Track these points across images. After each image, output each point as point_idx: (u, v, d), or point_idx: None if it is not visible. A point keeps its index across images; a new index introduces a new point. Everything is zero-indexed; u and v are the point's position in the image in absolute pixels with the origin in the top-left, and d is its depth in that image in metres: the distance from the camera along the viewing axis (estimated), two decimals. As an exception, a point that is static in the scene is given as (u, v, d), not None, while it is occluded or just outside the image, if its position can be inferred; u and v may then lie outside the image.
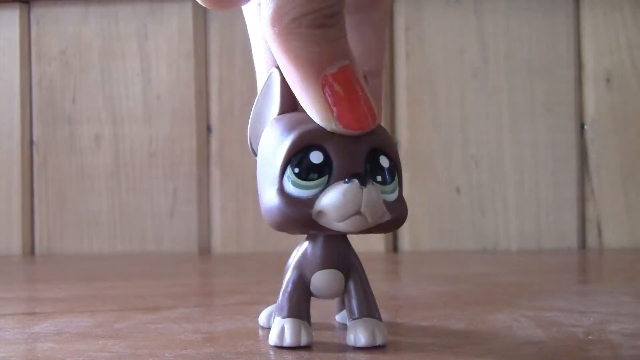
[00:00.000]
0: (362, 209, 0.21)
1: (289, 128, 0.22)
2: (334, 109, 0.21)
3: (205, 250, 0.63)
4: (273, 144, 0.22)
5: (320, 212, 0.21)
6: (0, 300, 0.37)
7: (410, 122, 0.61)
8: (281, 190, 0.22)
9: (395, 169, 0.22)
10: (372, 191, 0.21)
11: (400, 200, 0.23)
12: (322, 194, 0.21)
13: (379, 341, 0.23)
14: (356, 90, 0.21)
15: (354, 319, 0.23)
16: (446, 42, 0.61)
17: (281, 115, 0.23)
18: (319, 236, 0.23)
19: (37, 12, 0.65)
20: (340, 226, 0.21)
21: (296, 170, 0.21)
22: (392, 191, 0.22)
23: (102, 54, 0.64)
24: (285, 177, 0.21)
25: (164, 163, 0.63)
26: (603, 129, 0.60)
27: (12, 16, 0.65)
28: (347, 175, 0.21)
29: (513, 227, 0.60)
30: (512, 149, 0.60)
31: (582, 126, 0.60)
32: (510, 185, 0.60)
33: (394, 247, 0.61)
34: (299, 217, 0.21)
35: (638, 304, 0.32)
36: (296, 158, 0.21)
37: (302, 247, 0.24)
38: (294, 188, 0.21)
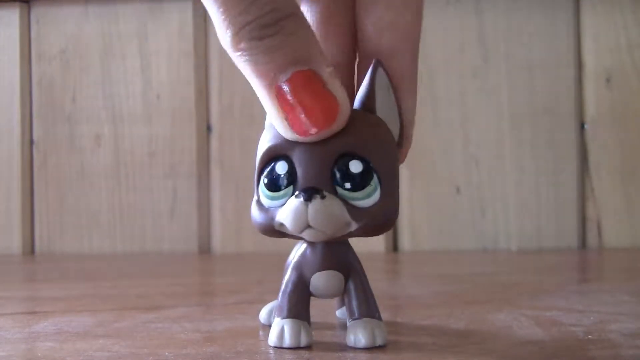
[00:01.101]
0: (311, 223, 0.21)
1: (268, 137, 0.22)
2: (287, 117, 0.21)
3: (205, 249, 0.63)
4: (258, 153, 0.23)
5: (281, 224, 0.22)
6: (0, 299, 0.37)
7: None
8: (258, 200, 0.23)
9: (372, 172, 0.22)
10: (319, 205, 0.21)
11: (382, 203, 0.22)
12: (283, 205, 0.22)
13: (378, 342, 0.23)
14: (313, 95, 0.20)
15: (354, 320, 0.23)
16: (446, 42, 0.61)
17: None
18: None
19: (37, 11, 0.65)
20: (303, 235, 0.22)
21: (265, 181, 0.22)
22: (367, 196, 0.21)
23: (102, 53, 0.64)
24: (259, 188, 0.22)
25: (164, 163, 0.63)
26: (603, 129, 0.60)
27: (12, 16, 0.65)
28: (302, 187, 0.21)
29: (513, 227, 0.60)
30: (512, 149, 0.60)
31: (582, 126, 0.60)
32: (510, 185, 0.60)
33: (394, 246, 0.61)
34: (266, 226, 0.22)
35: (638, 304, 0.32)
36: (266, 169, 0.22)
37: (301, 248, 0.24)
38: (265, 199, 0.22)
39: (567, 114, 0.60)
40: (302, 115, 0.21)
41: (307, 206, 0.21)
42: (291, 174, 0.22)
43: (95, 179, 0.64)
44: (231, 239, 0.62)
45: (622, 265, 0.51)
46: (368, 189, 0.21)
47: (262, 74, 0.20)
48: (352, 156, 0.21)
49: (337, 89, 0.21)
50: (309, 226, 0.21)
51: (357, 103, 0.23)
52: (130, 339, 0.26)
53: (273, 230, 0.22)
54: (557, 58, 0.60)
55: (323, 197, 0.21)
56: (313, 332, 0.24)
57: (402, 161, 0.25)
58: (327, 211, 0.21)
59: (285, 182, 0.22)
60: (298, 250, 0.24)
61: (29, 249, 0.64)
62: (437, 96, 0.61)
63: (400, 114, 0.23)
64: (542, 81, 0.60)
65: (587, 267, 0.52)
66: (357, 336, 0.23)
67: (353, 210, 0.21)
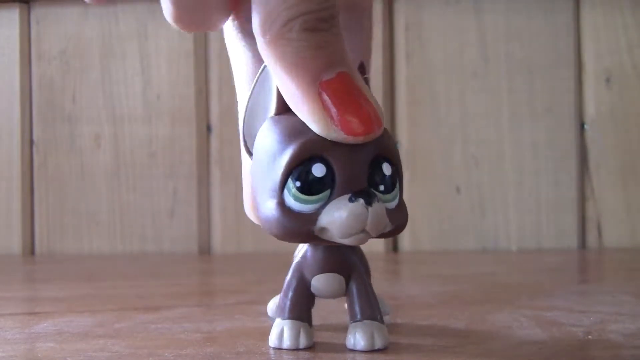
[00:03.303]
0: (368, 228, 0.20)
1: (289, 136, 0.21)
2: (335, 115, 0.20)
3: (205, 250, 0.63)
4: (272, 151, 0.21)
5: (323, 229, 0.20)
6: (0, 300, 0.37)
7: (410, 122, 0.61)
8: (282, 203, 0.21)
9: (397, 174, 0.22)
10: (377, 210, 0.20)
11: (401, 205, 0.22)
12: (325, 209, 0.20)
13: (378, 345, 0.23)
14: (357, 96, 0.20)
15: (355, 322, 0.23)
16: (446, 42, 0.61)
17: (279, 116, 0.22)
18: None
19: (37, 12, 0.65)
20: (343, 241, 0.21)
21: (297, 184, 0.20)
22: (394, 199, 0.21)
23: (102, 53, 0.64)
24: (286, 190, 0.21)
25: (164, 163, 0.63)
26: (603, 129, 0.60)
27: (12, 16, 0.65)
28: (350, 190, 0.20)
29: (513, 227, 0.60)
30: (512, 149, 0.60)
31: (582, 126, 0.60)
32: (510, 185, 0.60)
33: (394, 247, 0.61)
34: (301, 232, 0.21)
35: (638, 304, 0.32)
36: (297, 171, 0.20)
37: (303, 248, 0.24)
38: (295, 202, 0.21)
39: (567, 114, 0.60)
40: (350, 116, 0.20)
41: (367, 210, 0.20)
42: (329, 176, 0.20)
43: (96, 179, 0.64)
44: (231, 240, 0.62)
45: (622, 266, 0.51)
46: (395, 191, 0.21)
47: (308, 69, 0.19)
48: (383, 158, 0.21)
49: (372, 95, 0.20)
50: (362, 230, 0.20)
51: None
52: (130, 339, 0.26)
53: (308, 235, 0.21)
54: (557, 58, 0.60)
55: (379, 201, 0.20)
56: (314, 333, 0.24)
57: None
58: (383, 215, 0.20)
59: (323, 185, 0.20)
60: (300, 250, 0.24)
61: (29, 249, 0.64)
62: (437, 96, 0.61)
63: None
64: (542, 81, 0.60)
65: (587, 267, 0.52)
66: (356, 339, 0.23)
67: (387, 212, 0.21)
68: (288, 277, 0.24)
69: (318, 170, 0.20)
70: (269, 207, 0.21)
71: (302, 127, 0.21)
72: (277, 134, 0.21)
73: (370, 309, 0.23)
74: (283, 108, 0.21)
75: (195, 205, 0.63)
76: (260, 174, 0.21)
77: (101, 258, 0.60)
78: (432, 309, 0.32)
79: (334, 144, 0.20)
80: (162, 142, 0.63)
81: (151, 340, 0.25)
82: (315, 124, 0.20)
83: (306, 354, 0.23)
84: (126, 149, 0.63)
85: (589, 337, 0.25)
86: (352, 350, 0.23)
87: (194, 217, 0.63)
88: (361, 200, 0.20)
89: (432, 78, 0.61)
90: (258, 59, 0.22)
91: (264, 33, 0.19)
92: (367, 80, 0.22)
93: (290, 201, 0.21)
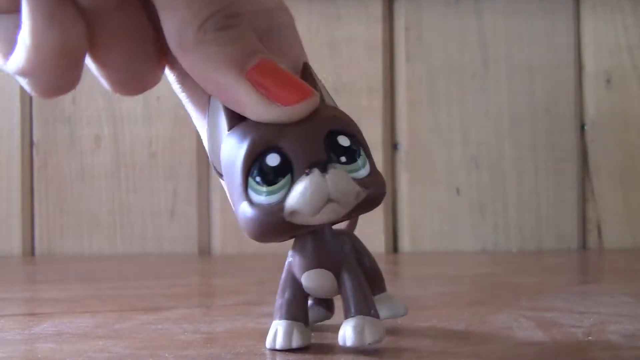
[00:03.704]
0: (332, 196, 0.20)
1: (242, 137, 0.21)
2: (270, 91, 0.20)
3: (205, 250, 0.63)
4: (232, 158, 0.21)
5: (292, 212, 0.20)
6: (0, 300, 0.37)
7: (410, 122, 0.61)
8: (250, 202, 0.21)
9: (358, 144, 0.22)
10: (336, 175, 0.20)
11: (373, 172, 0.22)
12: (289, 193, 0.20)
13: (368, 340, 0.22)
14: (283, 72, 0.21)
15: (348, 317, 0.23)
16: (446, 43, 0.61)
17: (233, 128, 0.22)
18: (307, 236, 0.23)
19: (37, 12, 0.65)
20: (317, 219, 0.20)
21: (257, 178, 0.21)
22: (362, 167, 0.21)
23: (102, 54, 0.64)
24: (250, 189, 0.21)
25: (164, 163, 0.63)
26: (603, 130, 0.60)
27: (12, 16, 0.65)
28: (307, 167, 0.20)
29: (513, 228, 0.60)
30: (512, 149, 0.60)
31: (582, 126, 0.60)
32: (510, 185, 0.60)
33: (394, 247, 0.61)
34: (274, 223, 0.21)
35: (638, 305, 0.32)
36: (254, 166, 0.21)
37: (292, 247, 0.24)
38: (261, 196, 0.21)
39: (567, 115, 0.60)
40: (283, 87, 0.21)
41: (324, 178, 0.20)
42: (285, 162, 0.21)
43: (96, 180, 0.64)
44: (231, 240, 0.62)
45: (622, 267, 0.51)
46: (360, 160, 0.21)
47: (232, 62, 0.20)
48: (336, 132, 0.21)
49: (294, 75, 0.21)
50: (329, 200, 0.20)
51: None
52: (130, 340, 0.26)
53: (282, 223, 0.21)
54: (557, 59, 0.60)
55: (335, 167, 0.20)
56: (311, 333, 0.24)
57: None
58: (345, 178, 0.20)
59: (281, 172, 0.21)
60: (291, 250, 0.24)
61: (29, 250, 0.64)
62: (437, 97, 0.61)
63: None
64: (542, 82, 0.60)
65: (587, 269, 0.52)
66: (347, 334, 0.22)
67: (356, 180, 0.21)
68: (282, 279, 0.24)
69: (272, 159, 0.21)
70: (242, 210, 0.21)
71: (251, 126, 0.21)
72: (232, 141, 0.22)
73: (362, 303, 0.23)
74: (232, 121, 0.22)
75: (195, 205, 0.63)
76: (230, 185, 0.22)
77: (101, 258, 0.60)
78: (432, 310, 0.32)
79: (282, 131, 0.21)
80: (162, 143, 0.63)
81: (151, 341, 0.25)
82: (255, 109, 0.21)
83: (307, 355, 0.23)
84: (126, 149, 0.63)
85: (589, 338, 0.25)
86: (354, 350, 0.23)
87: (194, 217, 0.63)
88: (316, 170, 0.20)
89: (432, 78, 0.61)
90: (201, 99, 0.24)
91: (181, 44, 0.20)
92: (317, 82, 0.23)
93: (256, 197, 0.21)
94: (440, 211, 0.61)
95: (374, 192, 0.21)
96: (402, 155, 0.61)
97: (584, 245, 0.60)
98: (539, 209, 0.60)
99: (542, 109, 0.60)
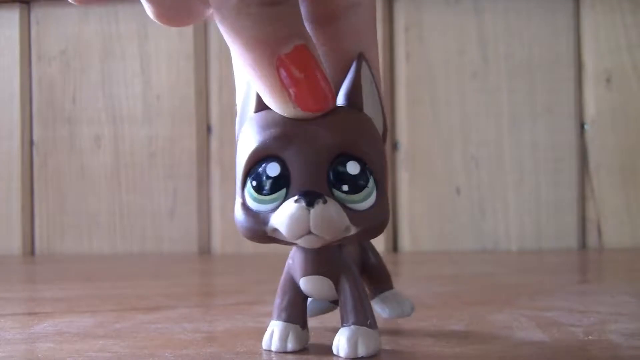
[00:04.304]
0: (312, 230, 0.20)
1: (257, 131, 0.21)
2: (292, 90, 0.20)
3: (205, 250, 0.63)
4: (242, 149, 0.21)
5: (274, 230, 0.20)
6: (0, 300, 0.37)
7: (410, 122, 0.61)
8: (243, 203, 0.21)
9: (369, 172, 0.21)
10: (322, 210, 0.19)
11: (378, 205, 0.21)
12: (277, 210, 0.20)
13: (361, 352, 0.22)
14: (314, 70, 0.20)
15: (343, 326, 0.22)
16: (446, 42, 0.61)
17: (257, 113, 0.21)
18: None
19: (37, 12, 0.65)
20: (298, 242, 0.20)
21: (254, 183, 0.20)
22: (364, 199, 0.20)
23: (102, 54, 0.64)
24: (246, 190, 0.21)
25: (164, 163, 0.63)
26: (603, 129, 0.60)
27: (12, 16, 0.65)
28: (301, 191, 0.20)
29: (513, 227, 0.60)
30: (512, 149, 0.60)
31: (582, 126, 0.60)
32: (510, 185, 0.60)
33: (394, 247, 0.61)
34: (256, 233, 0.21)
35: (638, 304, 0.32)
36: (254, 170, 0.21)
37: (293, 249, 0.23)
38: (253, 202, 0.21)
39: (567, 114, 0.60)
40: (307, 93, 0.20)
41: (308, 212, 0.19)
42: (284, 176, 0.20)
43: (96, 179, 0.64)
44: (231, 240, 0.62)
45: (622, 266, 0.51)
46: (365, 191, 0.20)
47: (264, 43, 0.19)
48: (348, 157, 0.20)
49: (324, 68, 0.20)
50: (309, 232, 0.20)
51: (342, 99, 0.22)
52: (130, 339, 0.26)
53: (264, 236, 0.21)
54: (557, 58, 0.60)
55: (325, 202, 0.20)
56: (309, 335, 0.24)
57: None
58: (329, 217, 0.20)
59: (277, 185, 0.20)
60: (291, 251, 0.24)
61: (29, 249, 0.64)
62: (437, 96, 0.61)
63: (382, 106, 0.22)
64: (542, 81, 0.60)
65: (587, 268, 0.52)
66: (340, 345, 0.22)
67: (351, 213, 0.20)
68: (282, 279, 0.24)
69: (272, 169, 0.20)
70: (236, 207, 0.21)
71: (267, 123, 0.21)
72: (247, 132, 0.21)
73: (359, 314, 0.22)
74: (260, 104, 0.21)
75: (195, 205, 0.63)
76: (236, 172, 0.21)
77: (101, 258, 0.60)
78: (432, 310, 0.32)
79: (291, 143, 0.20)
80: (162, 143, 0.63)
81: (151, 341, 0.25)
82: (271, 99, 0.20)
83: (308, 355, 0.23)
84: (126, 149, 0.63)
85: (589, 337, 0.25)
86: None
87: (194, 217, 0.63)
88: (303, 202, 0.20)
89: (432, 78, 0.61)
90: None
91: (221, 6, 0.19)
92: (362, 84, 0.22)
93: (250, 201, 0.21)
94: (440, 211, 0.61)
95: (370, 226, 0.21)
96: (402, 154, 0.61)
97: (583, 244, 0.60)
98: (539, 209, 0.60)
99: (542, 107, 0.60)
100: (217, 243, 0.63)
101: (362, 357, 0.22)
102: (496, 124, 0.61)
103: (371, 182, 0.21)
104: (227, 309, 0.33)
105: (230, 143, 0.62)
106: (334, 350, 0.22)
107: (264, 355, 0.23)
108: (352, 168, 0.20)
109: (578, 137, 0.60)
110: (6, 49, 0.65)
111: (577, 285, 0.42)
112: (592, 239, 0.60)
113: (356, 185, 0.20)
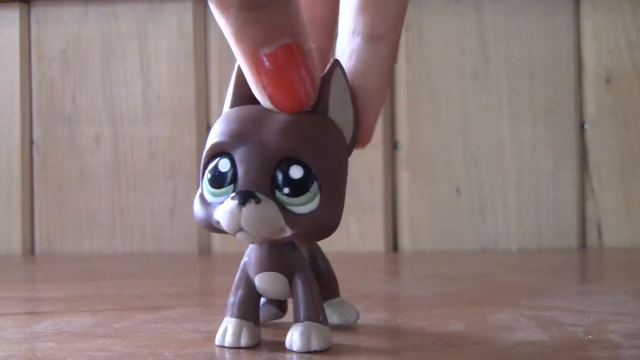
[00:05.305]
0: (243, 227, 0.21)
1: (222, 126, 0.22)
2: (266, 89, 0.21)
3: (205, 250, 0.63)
4: (207, 142, 0.23)
5: (217, 222, 0.22)
6: (0, 300, 0.37)
7: (410, 122, 0.61)
8: (201, 194, 0.22)
9: (313, 178, 0.21)
10: (252, 210, 0.21)
11: (322, 210, 0.21)
12: (222, 203, 0.21)
13: (314, 346, 0.22)
14: (293, 70, 0.21)
15: (296, 322, 0.23)
16: (446, 42, 0.61)
17: (230, 109, 0.23)
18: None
19: (37, 12, 0.65)
20: (236, 236, 0.21)
21: (208, 176, 0.22)
22: (304, 203, 0.21)
23: (102, 53, 0.64)
24: (203, 182, 0.22)
25: (164, 163, 0.63)
26: (603, 129, 0.60)
27: (12, 16, 0.65)
28: (238, 189, 0.21)
29: (513, 227, 0.60)
30: (512, 149, 0.60)
31: (582, 126, 0.60)
32: (510, 185, 0.60)
33: (394, 247, 0.61)
34: (206, 223, 0.22)
35: (638, 304, 0.32)
36: (210, 164, 0.22)
37: (249, 247, 0.24)
38: (207, 194, 0.22)
39: (567, 114, 0.60)
40: (280, 92, 0.21)
41: (240, 209, 0.21)
42: (233, 173, 0.22)
43: (95, 179, 0.64)
44: (231, 239, 0.62)
45: (622, 266, 0.51)
46: (307, 195, 0.21)
47: (245, 43, 0.20)
48: (293, 161, 0.21)
49: (314, 66, 0.21)
50: (241, 229, 0.21)
51: None
52: (130, 339, 0.26)
53: (212, 226, 0.22)
54: (557, 58, 0.60)
55: (258, 202, 0.21)
56: (259, 332, 0.24)
57: (363, 146, 0.25)
58: (259, 216, 0.21)
59: (227, 180, 0.22)
60: (247, 249, 0.24)
61: (29, 249, 0.64)
62: (437, 96, 0.61)
63: (358, 114, 0.23)
64: (542, 81, 0.60)
65: (587, 267, 0.52)
66: (294, 339, 0.22)
67: (289, 215, 0.21)
68: (236, 277, 0.24)
69: (223, 165, 0.22)
70: (195, 197, 0.23)
71: (231, 121, 0.22)
72: (216, 127, 0.23)
73: (311, 310, 0.23)
74: (234, 101, 0.23)
75: (195, 205, 0.63)
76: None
77: (101, 258, 0.60)
78: (432, 309, 0.32)
79: (244, 142, 0.22)
80: (162, 142, 0.63)
81: (151, 340, 0.25)
82: (255, 93, 0.22)
83: (309, 355, 0.23)
84: (126, 149, 0.63)
85: (589, 337, 0.25)
86: (350, 350, 0.23)
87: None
88: (236, 200, 0.21)
89: (432, 78, 0.61)
90: None
91: (215, 5, 0.20)
92: (330, 92, 0.23)
93: (205, 193, 0.22)
94: (440, 211, 0.61)
95: (309, 230, 0.21)
96: (402, 154, 0.61)
97: (583, 244, 0.60)
98: (539, 208, 0.60)
99: (542, 108, 0.60)
100: (217, 243, 0.63)
101: (315, 351, 0.22)
102: (496, 124, 0.61)
103: (314, 187, 0.21)
104: (227, 308, 0.33)
105: (230, 143, 0.62)
106: (287, 345, 0.23)
107: (217, 351, 0.23)
108: (295, 172, 0.21)
109: (578, 137, 0.60)
110: (6, 49, 0.65)
111: (577, 285, 0.42)
112: (592, 238, 0.60)
113: (297, 188, 0.21)
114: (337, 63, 0.23)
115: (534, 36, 0.61)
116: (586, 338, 0.25)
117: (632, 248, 0.59)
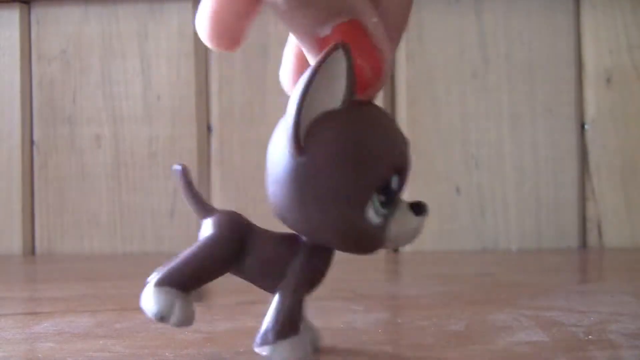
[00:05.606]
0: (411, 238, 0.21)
1: (374, 144, 0.20)
2: None
3: (205, 250, 0.63)
4: (354, 158, 0.20)
5: (390, 241, 0.21)
6: (1, 300, 0.37)
7: (410, 122, 0.61)
8: (365, 219, 0.20)
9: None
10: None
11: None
12: (392, 221, 0.21)
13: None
14: (354, 49, 0.19)
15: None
16: (446, 42, 0.61)
17: (352, 115, 0.20)
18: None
19: (37, 12, 0.65)
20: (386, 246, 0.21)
21: (383, 198, 0.20)
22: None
23: (102, 53, 0.64)
24: (372, 206, 0.20)
25: (164, 163, 0.63)
26: (603, 129, 0.60)
27: (12, 16, 0.65)
28: (417, 206, 0.21)
29: (513, 227, 0.60)
30: (512, 149, 0.60)
31: (582, 126, 0.60)
32: (510, 185, 0.60)
33: (394, 247, 0.61)
34: (375, 245, 0.21)
35: (638, 304, 0.32)
36: (383, 185, 0.20)
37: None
38: (377, 217, 0.20)
39: (567, 114, 0.60)
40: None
41: (419, 221, 0.21)
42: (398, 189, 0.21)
43: (96, 179, 0.64)
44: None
45: (622, 266, 0.51)
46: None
47: (302, 25, 0.20)
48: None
49: (382, 41, 0.20)
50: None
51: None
52: (130, 339, 0.26)
53: (378, 246, 0.21)
54: (557, 58, 0.60)
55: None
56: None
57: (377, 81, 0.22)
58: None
59: (393, 198, 0.21)
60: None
61: (30, 249, 0.64)
62: (437, 96, 0.61)
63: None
64: (542, 81, 0.60)
65: (587, 268, 0.52)
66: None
67: None
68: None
69: (395, 183, 0.21)
70: (348, 227, 0.20)
71: (381, 134, 0.21)
72: (361, 141, 0.20)
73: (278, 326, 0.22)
74: (349, 96, 0.20)
75: (196, 205, 0.63)
76: (334, 180, 0.20)
77: (101, 258, 0.60)
78: (432, 309, 0.32)
79: (405, 154, 0.22)
80: (162, 142, 0.63)
81: (151, 340, 0.25)
82: None
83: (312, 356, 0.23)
84: (126, 149, 0.63)
85: (589, 337, 0.25)
86: (355, 353, 0.23)
87: (194, 217, 0.62)
88: (424, 215, 0.21)
89: (432, 78, 0.61)
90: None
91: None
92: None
93: (373, 217, 0.20)
94: (440, 210, 0.61)
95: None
96: (402, 154, 0.61)
97: (584, 244, 0.60)
98: (539, 209, 0.60)
99: (542, 108, 0.60)
100: (217, 243, 0.63)
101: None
102: (496, 124, 0.61)
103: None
104: (228, 308, 0.33)
105: (231, 143, 0.62)
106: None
107: (217, 352, 0.23)
108: (395, 182, 0.22)
109: (578, 137, 0.60)
110: (6, 49, 0.65)
111: (578, 285, 0.42)
112: (592, 238, 0.60)
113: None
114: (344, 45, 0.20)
115: (534, 36, 0.61)
116: (586, 338, 0.24)
117: (632, 248, 0.59)
